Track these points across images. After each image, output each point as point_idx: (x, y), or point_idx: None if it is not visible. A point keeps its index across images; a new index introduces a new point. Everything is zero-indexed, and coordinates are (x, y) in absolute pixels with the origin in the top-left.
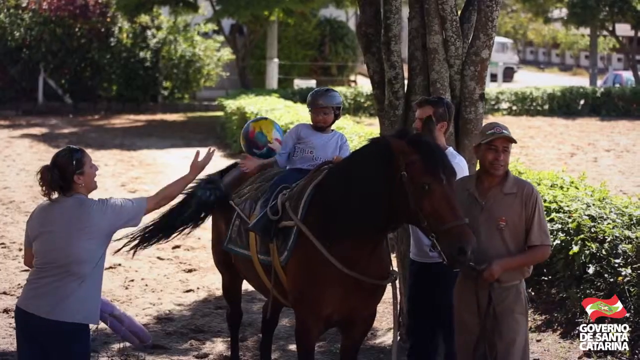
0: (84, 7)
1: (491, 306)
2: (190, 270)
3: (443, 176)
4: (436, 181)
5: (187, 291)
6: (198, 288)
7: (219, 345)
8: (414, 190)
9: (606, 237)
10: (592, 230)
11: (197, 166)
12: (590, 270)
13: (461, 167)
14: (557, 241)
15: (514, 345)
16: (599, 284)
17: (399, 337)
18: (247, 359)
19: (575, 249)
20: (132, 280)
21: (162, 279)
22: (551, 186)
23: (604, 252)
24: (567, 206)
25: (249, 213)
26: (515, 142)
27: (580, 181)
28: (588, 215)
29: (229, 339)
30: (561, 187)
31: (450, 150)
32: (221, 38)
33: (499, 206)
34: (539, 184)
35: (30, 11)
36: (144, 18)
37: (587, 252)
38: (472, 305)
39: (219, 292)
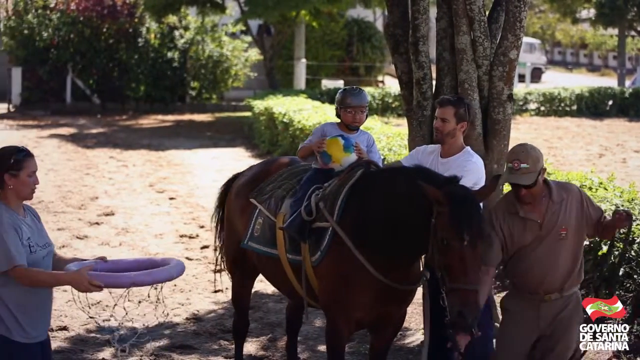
0: (112, 8)
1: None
2: (219, 271)
3: (466, 237)
4: (456, 239)
5: (216, 291)
6: (227, 288)
7: (248, 346)
8: (435, 240)
9: (635, 238)
10: (621, 232)
11: (80, 282)
12: (620, 271)
13: (478, 166)
14: (586, 242)
15: (566, 353)
16: (628, 284)
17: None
18: (277, 359)
19: (604, 249)
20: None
21: (191, 279)
22: (580, 187)
23: (633, 253)
24: None
25: (274, 211)
26: (531, 186)
27: (609, 182)
28: None
29: (258, 339)
30: (590, 188)
31: (468, 149)
32: (249, 38)
33: (556, 217)
34: None
35: (58, 12)
36: (172, 18)
37: (617, 253)
38: (532, 320)
39: None
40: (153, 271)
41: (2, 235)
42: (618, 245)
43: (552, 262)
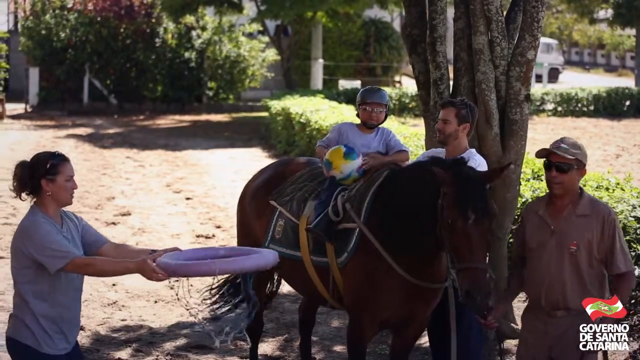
0: (129, 8)
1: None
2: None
3: (471, 215)
4: (461, 218)
5: None
6: None
7: (264, 346)
8: (442, 221)
9: None
10: (638, 232)
11: (145, 270)
12: (636, 272)
13: (481, 163)
14: None
15: None
16: None
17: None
18: (293, 358)
19: None
20: (177, 281)
21: (207, 279)
22: (597, 187)
23: None
24: (613, 208)
25: (297, 213)
26: (564, 170)
27: (626, 182)
28: (634, 217)
29: (274, 339)
30: (607, 189)
31: (472, 151)
32: (266, 39)
33: (570, 229)
34: (584, 185)
35: (75, 12)
36: (189, 19)
37: (633, 254)
38: (541, 336)
39: None
40: (229, 260)
41: (45, 237)
42: (635, 246)
43: (553, 273)
